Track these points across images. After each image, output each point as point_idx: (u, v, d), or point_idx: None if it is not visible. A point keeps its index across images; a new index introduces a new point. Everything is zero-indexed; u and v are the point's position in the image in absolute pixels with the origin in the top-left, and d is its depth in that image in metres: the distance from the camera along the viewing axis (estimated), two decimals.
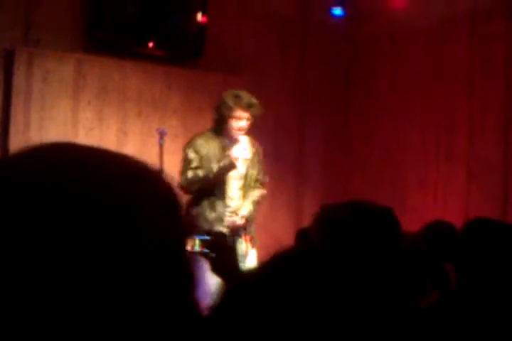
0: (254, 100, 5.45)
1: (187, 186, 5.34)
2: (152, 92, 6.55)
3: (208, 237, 2.53)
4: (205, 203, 5.35)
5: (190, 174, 5.33)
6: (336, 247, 1.89)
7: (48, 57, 6.13)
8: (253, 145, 5.53)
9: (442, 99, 6.78)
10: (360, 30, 7.44)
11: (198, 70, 6.74)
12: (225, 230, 5.30)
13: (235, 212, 5.42)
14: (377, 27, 7.27)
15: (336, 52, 7.55)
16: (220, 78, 6.80)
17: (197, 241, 2.50)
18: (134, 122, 6.45)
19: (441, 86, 6.79)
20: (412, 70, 7.04)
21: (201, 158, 5.37)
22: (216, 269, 2.54)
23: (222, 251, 2.53)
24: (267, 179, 5.69)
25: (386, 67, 7.28)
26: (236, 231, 5.40)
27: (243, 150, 5.38)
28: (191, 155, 5.39)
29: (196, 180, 5.31)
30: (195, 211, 5.36)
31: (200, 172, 5.32)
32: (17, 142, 5.96)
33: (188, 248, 2.46)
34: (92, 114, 6.28)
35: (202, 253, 2.51)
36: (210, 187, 5.34)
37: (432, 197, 6.74)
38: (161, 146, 5.66)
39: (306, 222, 6.65)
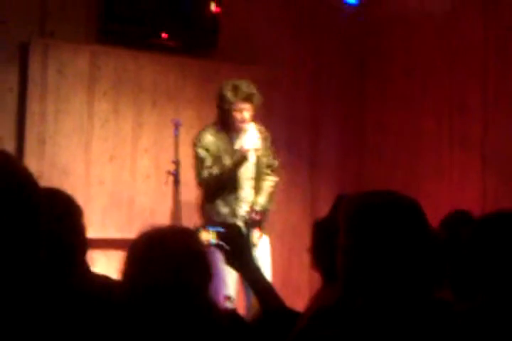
0: (253, 89, 5.38)
1: (204, 184, 5.39)
2: (167, 83, 6.56)
3: (222, 229, 2.53)
4: (219, 198, 5.38)
5: (205, 174, 5.34)
6: (370, 231, 1.91)
7: (62, 48, 6.15)
8: (261, 132, 5.53)
9: (456, 83, 6.75)
10: (373, 14, 7.41)
11: (213, 60, 6.74)
12: (238, 223, 5.33)
13: (250, 207, 5.43)
14: (390, 11, 7.25)
15: (350, 38, 7.53)
16: (234, 68, 6.80)
17: (212, 234, 2.51)
18: (149, 113, 6.46)
19: (456, 70, 6.76)
20: (426, 54, 7.01)
21: (213, 156, 5.37)
22: (230, 261, 2.55)
23: (235, 242, 2.54)
24: (276, 163, 5.67)
25: (400, 52, 7.26)
26: (252, 224, 5.44)
27: (254, 140, 5.37)
28: (202, 153, 5.39)
29: (212, 178, 5.33)
30: (208, 206, 5.39)
31: (215, 171, 5.32)
32: (33, 134, 6.00)
33: (204, 240, 2.49)
34: (108, 106, 6.30)
35: (217, 246, 2.52)
36: (225, 183, 5.36)
37: (448, 183, 6.73)
38: (176, 137, 5.68)
39: (322, 211, 6.67)
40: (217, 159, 5.36)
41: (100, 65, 6.28)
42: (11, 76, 6.02)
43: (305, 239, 2.79)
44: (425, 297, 1.93)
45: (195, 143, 5.45)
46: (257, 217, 5.38)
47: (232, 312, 2.74)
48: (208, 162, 5.36)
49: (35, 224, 1.30)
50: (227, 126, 5.44)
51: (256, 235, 5.46)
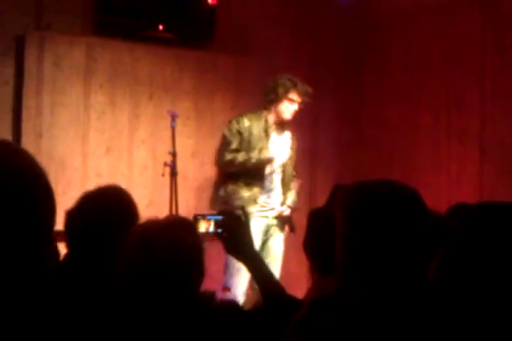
0: (310, 88, 5.52)
1: (223, 167, 5.44)
2: (163, 75, 6.54)
3: (221, 217, 2.52)
4: (242, 181, 5.40)
5: (228, 157, 5.38)
6: (370, 221, 1.89)
7: (58, 41, 6.13)
8: (293, 141, 5.63)
9: (454, 77, 6.75)
10: (371, 9, 7.40)
11: (209, 52, 6.73)
12: (255, 210, 5.36)
13: (282, 202, 5.51)
14: (388, 6, 7.23)
15: (347, 33, 7.52)
16: (231, 60, 6.79)
17: (211, 222, 2.49)
18: (145, 105, 6.45)
19: (453, 65, 6.76)
20: (424, 49, 7.00)
21: (242, 140, 5.40)
22: (230, 249, 2.53)
23: (235, 231, 2.52)
24: (297, 169, 5.80)
25: (398, 47, 7.25)
26: (282, 220, 5.49)
27: (285, 149, 5.46)
28: (230, 135, 5.43)
29: (233, 164, 5.37)
30: (230, 187, 5.41)
31: (240, 157, 5.34)
32: (30, 127, 5.98)
33: (203, 229, 2.47)
34: (104, 98, 6.28)
35: (216, 234, 2.50)
36: (247, 171, 5.38)
37: (445, 177, 6.73)
38: (173, 129, 5.68)
39: (319, 202, 6.66)
40: (245, 145, 5.39)
41: (96, 57, 6.25)
42: (7, 69, 6.00)
43: (304, 231, 2.78)
44: (424, 285, 1.91)
45: (230, 124, 5.49)
46: (288, 212, 5.45)
47: (231, 303, 2.73)
48: (234, 145, 5.38)
49: (33, 219, 1.24)
50: (270, 114, 5.48)
51: (283, 233, 5.51)
